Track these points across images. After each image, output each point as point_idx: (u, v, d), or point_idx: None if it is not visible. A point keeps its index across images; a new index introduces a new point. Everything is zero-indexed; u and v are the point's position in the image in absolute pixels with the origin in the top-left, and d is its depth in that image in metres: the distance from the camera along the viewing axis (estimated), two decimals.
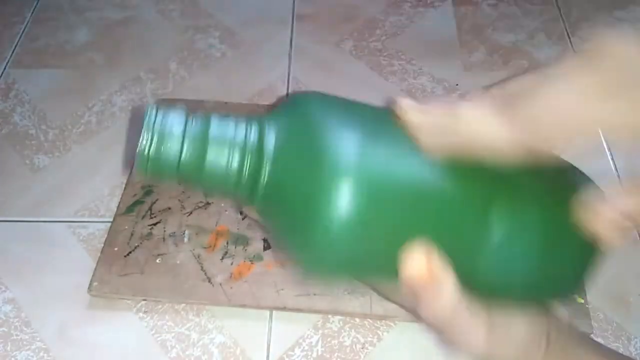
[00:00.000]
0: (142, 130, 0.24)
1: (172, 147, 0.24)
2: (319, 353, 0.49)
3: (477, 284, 0.26)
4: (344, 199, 0.22)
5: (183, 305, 0.51)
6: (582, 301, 0.50)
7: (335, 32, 0.75)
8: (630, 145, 0.62)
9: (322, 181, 0.22)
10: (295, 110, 0.26)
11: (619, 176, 0.60)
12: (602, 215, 0.25)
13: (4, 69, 0.72)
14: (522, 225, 0.25)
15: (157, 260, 0.53)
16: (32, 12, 0.79)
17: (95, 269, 0.52)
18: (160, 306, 0.52)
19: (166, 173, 0.24)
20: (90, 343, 0.50)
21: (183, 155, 0.24)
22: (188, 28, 0.76)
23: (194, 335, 0.50)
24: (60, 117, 0.67)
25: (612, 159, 0.61)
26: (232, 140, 0.25)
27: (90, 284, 0.51)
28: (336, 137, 0.23)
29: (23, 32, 0.77)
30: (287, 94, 0.30)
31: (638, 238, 0.55)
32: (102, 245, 0.54)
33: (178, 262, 0.53)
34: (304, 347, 0.49)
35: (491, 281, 0.26)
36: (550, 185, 0.27)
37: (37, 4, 0.80)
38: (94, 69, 0.72)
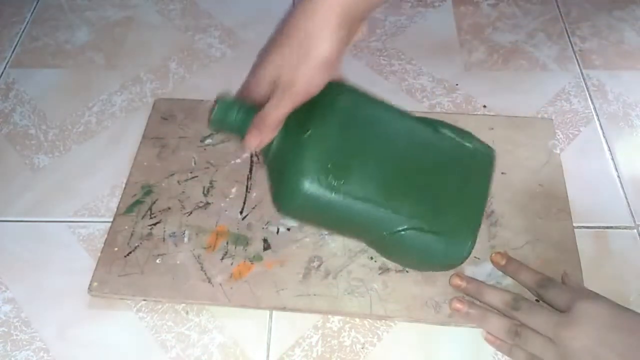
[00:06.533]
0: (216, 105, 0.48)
1: (231, 115, 0.48)
2: (319, 353, 0.49)
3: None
4: (299, 192, 0.44)
5: (183, 305, 0.51)
6: None
7: None
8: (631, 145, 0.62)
9: (292, 176, 0.44)
10: (314, 110, 0.46)
11: (619, 176, 0.60)
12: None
13: (4, 69, 0.72)
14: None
15: (157, 260, 0.53)
16: (32, 12, 0.79)
17: (95, 269, 0.52)
18: (160, 306, 0.52)
19: (226, 127, 0.49)
20: (90, 343, 0.50)
21: (235, 120, 0.48)
22: (188, 28, 0.76)
23: (194, 335, 0.50)
24: (60, 117, 0.67)
25: (612, 158, 0.61)
26: None
27: (90, 284, 0.51)
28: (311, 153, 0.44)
29: (23, 32, 0.77)
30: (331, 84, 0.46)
31: (638, 238, 0.55)
32: (102, 245, 0.54)
33: (178, 262, 0.53)
34: (304, 347, 0.49)
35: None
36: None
37: (37, 4, 0.80)
38: (94, 69, 0.72)
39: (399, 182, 0.46)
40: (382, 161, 0.46)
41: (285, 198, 0.46)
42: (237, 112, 0.47)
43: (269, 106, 0.46)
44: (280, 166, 0.46)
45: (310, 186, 0.43)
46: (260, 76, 0.46)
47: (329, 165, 0.44)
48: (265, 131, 0.46)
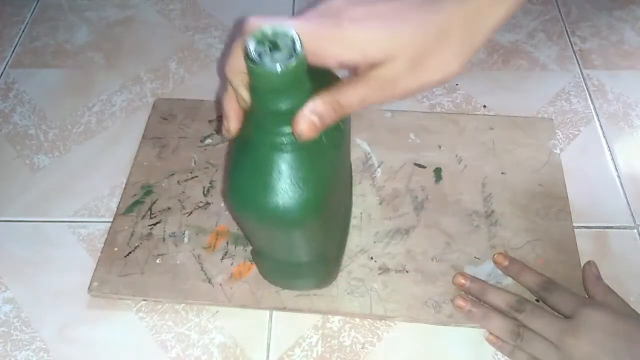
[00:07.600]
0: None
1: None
2: (319, 353, 0.49)
3: None
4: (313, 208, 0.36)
5: (183, 305, 0.51)
6: None
7: None
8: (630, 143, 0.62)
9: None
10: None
11: (619, 176, 0.60)
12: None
13: (4, 69, 0.72)
14: None
15: (157, 261, 0.53)
16: (32, 12, 0.79)
17: (95, 269, 0.52)
18: (160, 306, 0.52)
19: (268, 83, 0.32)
20: (90, 343, 0.50)
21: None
22: (188, 28, 0.76)
23: (194, 335, 0.50)
24: (60, 117, 0.67)
25: (612, 159, 0.61)
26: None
27: (90, 284, 0.51)
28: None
29: (23, 32, 0.77)
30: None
31: (638, 238, 0.55)
32: (102, 245, 0.54)
33: (178, 262, 0.53)
34: (304, 347, 0.49)
35: None
36: None
37: (37, 4, 0.80)
38: (94, 69, 0.72)
39: (338, 228, 0.49)
40: (339, 199, 0.44)
41: (292, 205, 0.35)
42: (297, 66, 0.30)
43: (359, 85, 0.31)
44: (297, 163, 0.34)
45: (317, 210, 0.36)
46: (357, 37, 0.29)
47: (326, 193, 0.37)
48: (331, 117, 0.31)
